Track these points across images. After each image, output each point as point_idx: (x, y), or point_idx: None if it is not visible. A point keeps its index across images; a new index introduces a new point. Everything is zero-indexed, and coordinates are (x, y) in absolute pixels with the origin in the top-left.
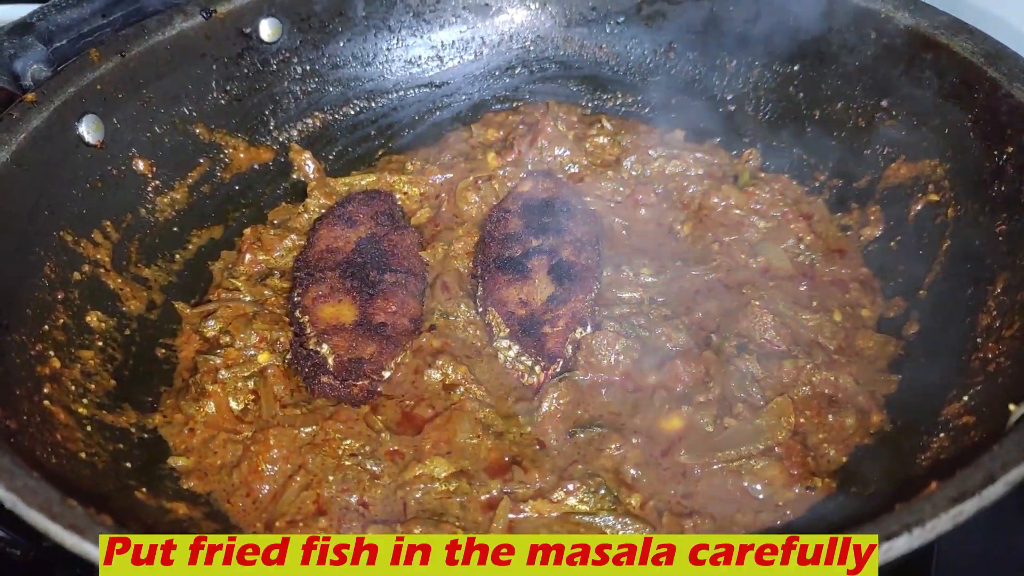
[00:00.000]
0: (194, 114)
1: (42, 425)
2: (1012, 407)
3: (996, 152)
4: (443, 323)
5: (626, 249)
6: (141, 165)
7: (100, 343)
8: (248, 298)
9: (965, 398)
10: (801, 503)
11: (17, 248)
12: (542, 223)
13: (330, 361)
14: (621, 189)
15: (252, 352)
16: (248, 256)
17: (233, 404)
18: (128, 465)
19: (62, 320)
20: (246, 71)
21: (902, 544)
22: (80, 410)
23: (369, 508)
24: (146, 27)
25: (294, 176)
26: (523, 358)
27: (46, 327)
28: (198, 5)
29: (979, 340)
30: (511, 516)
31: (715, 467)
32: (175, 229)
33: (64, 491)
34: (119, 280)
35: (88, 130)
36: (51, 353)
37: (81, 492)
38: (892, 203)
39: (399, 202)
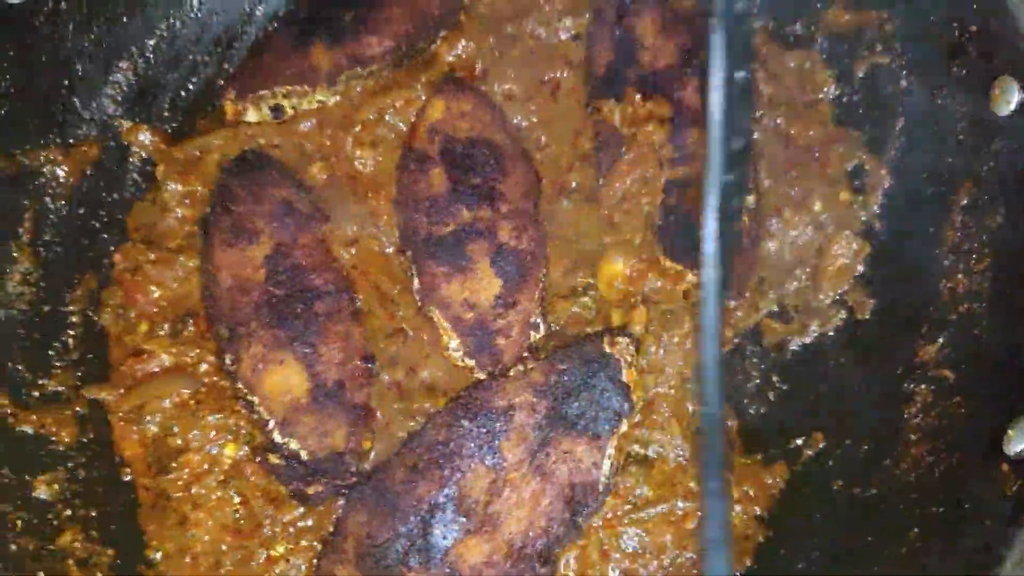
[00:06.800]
0: None
1: None
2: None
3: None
4: (389, 343)
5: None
6: None
7: (68, 512)
8: (168, 361)
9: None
10: None
11: None
12: (471, 184)
13: (304, 455)
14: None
15: (214, 449)
16: (138, 297)
17: (224, 520)
18: None
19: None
20: (11, 52)
21: None
22: None
23: None
24: None
25: (133, 160)
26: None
27: None
28: None
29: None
30: None
31: None
32: (46, 308)
33: None
34: (34, 417)
35: None
36: None
37: None
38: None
39: (277, 159)
